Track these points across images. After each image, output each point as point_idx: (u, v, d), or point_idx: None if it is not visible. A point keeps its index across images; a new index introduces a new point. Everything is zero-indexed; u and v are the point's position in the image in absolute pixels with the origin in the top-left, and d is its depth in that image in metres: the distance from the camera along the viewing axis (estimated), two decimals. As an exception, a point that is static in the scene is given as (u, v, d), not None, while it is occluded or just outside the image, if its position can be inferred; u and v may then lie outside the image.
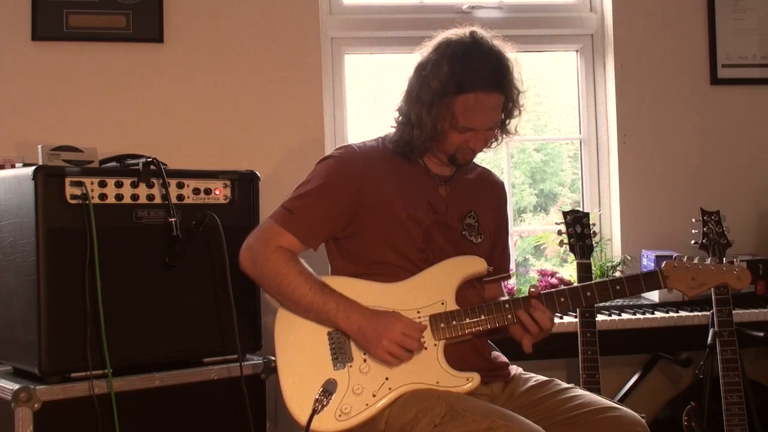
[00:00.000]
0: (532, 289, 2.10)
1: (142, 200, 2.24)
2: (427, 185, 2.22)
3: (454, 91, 2.07)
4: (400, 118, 2.19)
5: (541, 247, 3.57)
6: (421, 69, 2.13)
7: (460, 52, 2.09)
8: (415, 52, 2.19)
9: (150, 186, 2.26)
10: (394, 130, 2.23)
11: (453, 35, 2.14)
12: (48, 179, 2.11)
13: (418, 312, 2.08)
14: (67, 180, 2.14)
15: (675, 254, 3.05)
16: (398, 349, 2.00)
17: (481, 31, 2.14)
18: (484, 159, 2.46)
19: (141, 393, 2.17)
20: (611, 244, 3.40)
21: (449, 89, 2.07)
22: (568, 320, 2.84)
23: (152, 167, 2.27)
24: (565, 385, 2.15)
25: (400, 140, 2.19)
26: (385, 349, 2.00)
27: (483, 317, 2.08)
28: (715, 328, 2.70)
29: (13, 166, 2.78)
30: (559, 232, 2.75)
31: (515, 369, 2.24)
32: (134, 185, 2.24)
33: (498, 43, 2.13)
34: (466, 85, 2.06)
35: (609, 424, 1.99)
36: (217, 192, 2.38)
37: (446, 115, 2.09)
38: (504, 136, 2.25)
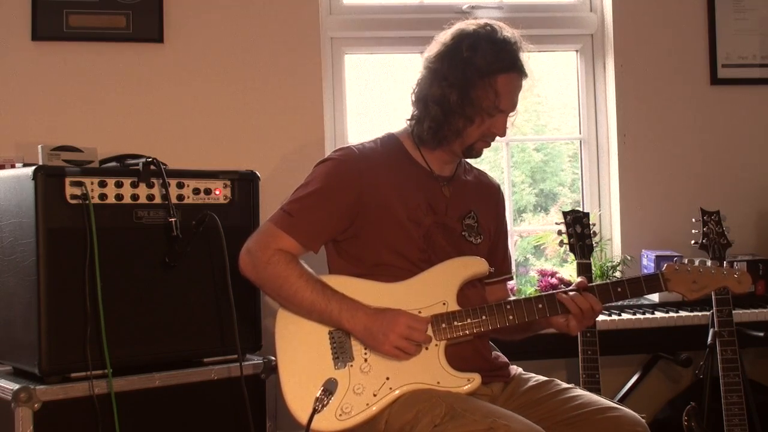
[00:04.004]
0: (579, 281, 2.12)
1: (142, 200, 2.24)
2: (428, 186, 2.21)
3: (498, 70, 2.10)
4: (430, 107, 2.15)
5: (541, 247, 3.57)
6: (455, 53, 2.12)
7: (493, 35, 2.13)
8: (429, 46, 2.20)
9: (150, 186, 2.26)
10: (410, 123, 2.22)
11: (470, 24, 2.17)
12: (48, 179, 2.11)
13: (420, 312, 2.07)
14: (67, 180, 2.14)
15: (675, 254, 3.07)
16: (406, 342, 2.00)
17: (494, 21, 2.18)
18: (484, 158, 2.46)
19: (141, 393, 2.17)
20: (611, 244, 3.40)
21: (494, 67, 2.10)
22: (568, 320, 2.83)
23: (152, 167, 2.27)
24: (565, 385, 2.15)
25: (430, 128, 2.16)
26: (393, 344, 2.00)
27: (484, 318, 2.08)
28: (715, 328, 2.70)
29: (13, 166, 2.78)
30: (559, 232, 2.75)
31: (515, 369, 2.24)
32: (134, 185, 2.23)
33: (516, 31, 2.18)
34: (507, 64, 2.11)
35: (609, 424, 1.99)
36: (217, 192, 2.38)
37: (489, 93, 2.10)
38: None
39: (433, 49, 2.18)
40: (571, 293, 2.09)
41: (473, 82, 2.10)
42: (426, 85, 2.17)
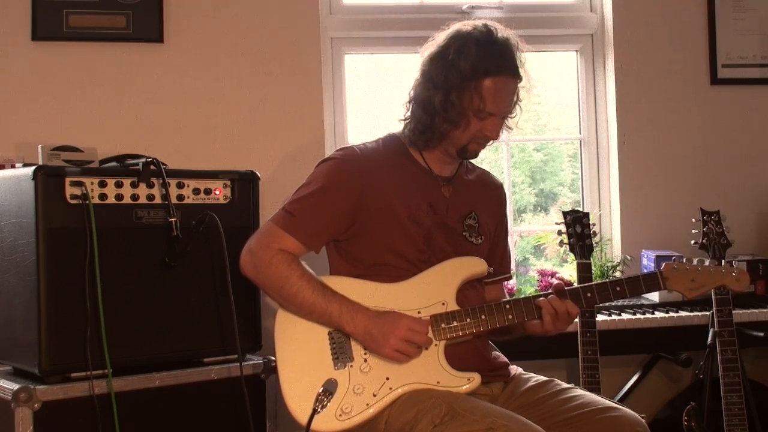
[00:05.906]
0: (556, 282, 2.11)
1: (142, 200, 2.24)
2: (428, 186, 2.21)
3: (483, 73, 2.09)
4: (416, 108, 2.17)
5: (541, 247, 3.57)
6: (443, 56, 2.13)
7: (484, 37, 2.12)
8: (424, 45, 2.20)
9: (150, 186, 2.26)
10: (404, 123, 2.22)
11: (466, 25, 2.16)
12: (48, 179, 2.11)
13: (419, 312, 2.07)
14: (67, 180, 2.14)
15: (675, 254, 3.07)
16: (406, 345, 2.01)
17: (492, 22, 2.17)
18: (484, 158, 2.47)
19: (141, 393, 2.17)
20: (611, 244, 3.40)
21: (478, 71, 2.08)
22: (568, 320, 2.83)
23: (152, 167, 2.26)
24: (565, 385, 2.15)
25: (416, 129, 2.17)
26: (393, 347, 2.00)
27: (483, 317, 2.08)
28: (715, 328, 2.70)
29: (13, 166, 2.78)
30: (559, 232, 2.75)
31: (515, 369, 2.24)
32: (134, 185, 2.23)
33: (512, 33, 2.17)
34: (494, 68, 2.09)
35: (609, 424, 1.99)
36: (217, 192, 2.38)
37: (473, 97, 2.09)
38: (505, 130, 2.25)
39: (428, 49, 2.19)
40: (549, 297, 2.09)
41: (456, 86, 2.09)
42: (416, 86, 2.19)
